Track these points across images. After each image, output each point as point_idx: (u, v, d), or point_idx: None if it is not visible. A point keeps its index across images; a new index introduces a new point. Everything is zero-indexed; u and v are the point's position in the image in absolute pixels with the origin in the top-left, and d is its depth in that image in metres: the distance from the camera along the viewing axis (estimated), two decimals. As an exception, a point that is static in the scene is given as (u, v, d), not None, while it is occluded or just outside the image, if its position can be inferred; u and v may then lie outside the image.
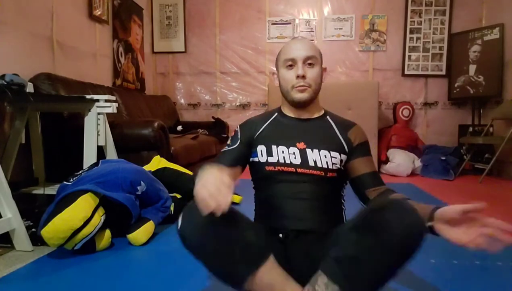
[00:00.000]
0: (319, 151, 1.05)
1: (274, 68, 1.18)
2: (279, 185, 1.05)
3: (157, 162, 2.22)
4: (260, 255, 0.86)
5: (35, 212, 1.81)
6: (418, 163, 3.77)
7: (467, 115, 4.19)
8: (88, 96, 2.01)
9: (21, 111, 2.06)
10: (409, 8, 4.17)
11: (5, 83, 1.73)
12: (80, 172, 1.75)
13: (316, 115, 1.14)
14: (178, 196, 2.12)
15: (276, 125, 1.14)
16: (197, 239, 0.85)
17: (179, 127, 3.86)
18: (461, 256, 1.50)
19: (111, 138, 2.13)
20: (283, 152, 1.05)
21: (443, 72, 4.20)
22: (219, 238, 0.84)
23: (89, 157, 1.97)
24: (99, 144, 2.02)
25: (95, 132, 2.00)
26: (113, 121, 2.27)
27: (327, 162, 1.04)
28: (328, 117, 1.15)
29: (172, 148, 2.55)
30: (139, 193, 1.73)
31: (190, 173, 2.24)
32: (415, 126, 4.31)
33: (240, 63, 4.41)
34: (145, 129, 2.35)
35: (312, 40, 4.26)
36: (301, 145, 1.06)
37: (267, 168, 1.06)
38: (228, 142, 1.15)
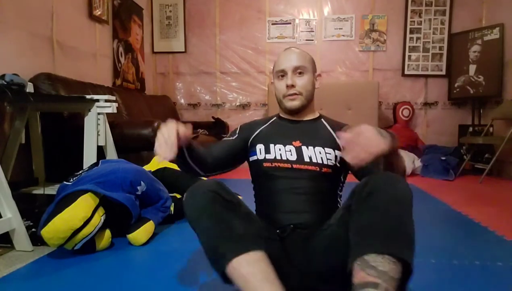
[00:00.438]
0: (314, 148, 1.11)
1: (271, 84, 1.25)
2: (276, 181, 1.11)
3: (157, 162, 2.22)
4: (246, 243, 0.86)
5: (35, 212, 1.81)
6: (418, 163, 3.77)
7: (467, 115, 4.19)
8: (88, 96, 2.01)
9: (21, 111, 2.06)
10: (409, 8, 4.17)
11: (5, 83, 1.73)
12: (80, 172, 1.75)
13: (310, 118, 1.22)
14: (178, 196, 2.12)
15: (274, 126, 1.23)
16: (195, 213, 0.92)
17: (179, 127, 3.85)
18: (461, 256, 1.50)
19: (111, 138, 2.13)
20: (280, 149, 1.13)
21: (443, 72, 4.20)
22: (214, 217, 0.89)
23: (89, 157, 1.97)
24: (99, 144, 2.02)
25: (95, 132, 2.00)
26: (113, 121, 2.27)
27: (321, 158, 1.10)
28: (322, 119, 1.23)
29: (172, 148, 2.55)
30: (139, 193, 1.73)
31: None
32: (415, 126, 4.31)
33: (240, 63, 4.41)
34: (145, 129, 2.35)
35: (312, 40, 4.26)
36: (297, 143, 1.13)
37: (265, 165, 1.13)
38: (227, 136, 1.25)
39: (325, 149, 1.11)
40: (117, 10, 3.50)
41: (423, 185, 3.17)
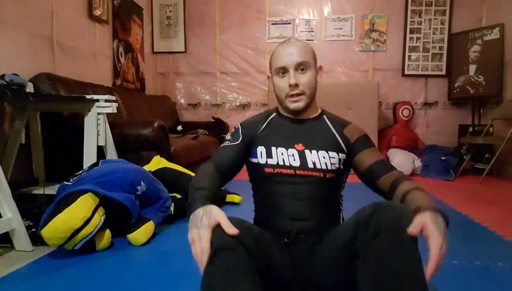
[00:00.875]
0: (317, 152, 1.05)
1: (267, 78, 1.18)
2: (278, 186, 1.05)
3: (157, 162, 2.22)
4: None
5: (35, 212, 1.81)
6: (418, 163, 3.77)
7: (467, 115, 4.19)
8: (88, 96, 2.01)
9: (21, 111, 2.05)
10: (409, 8, 4.17)
11: (5, 83, 1.73)
12: (80, 172, 1.75)
13: (313, 116, 1.14)
14: (178, 196, 2.12)
15: (274, 125, 1.14)
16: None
17: (179, 127, 3.86)
18: (461, 256, 1.50)
19: (111, 138, 2.13)
20: (282, 153, 1.06)
21: (443, 72, 4.20)
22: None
23: (89, 157, 1.97)
24: (99, 144, 2.02)
25: (95, 132, 2.00)
26: (113, 121, 2.27)
27: (326, 163, 1.04)
28: (324, 116, 1.15)
29: (172, 148, 2.55)
30: (139, 193, 1.73)
31: (190, 173, 2.23)
32: (415, 126, 4.31)
33: (240, 63, 4.41)
34: (145, 129, 2.35)
35: (312, 40, 4.26)
36: (300, 146, 1.07)
37: (267, 170, 1.06)
38: (228, 137, 1.15)
39: (329, 152, 1.05)
40: (117, 10, 3.50)
41: (423, 185, 3.13)
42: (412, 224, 0.75)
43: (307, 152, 1.06)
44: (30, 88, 2.02)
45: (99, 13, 3.17)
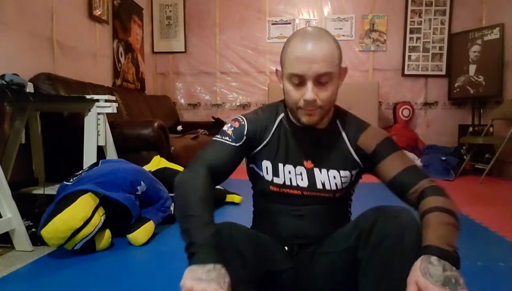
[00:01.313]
0: (327, 171, 0.94)
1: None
2: (283, 205, 0.97)
3: (157, 162, 2.22)
4: None
5: (35, 212, 1.81)
6: (418, 163, 3.77)
7: (467, 115, 4.19)
8: (88, 96, 2.01)
9: (21, 111, 2.05)
10: (409, 8, 4.17)
11: (5, 83, 1.73)
12: (80, 172, 1.75)
13: (326, 123, 0.97)
14: (178, 196, 2.11)
15: (283, 135, 0.97)
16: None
17: (179, 127, 3.86)
18: (461, 256, 1.49)
19: (111, 138, 2.13)
20: (289, 172, 0.95)
21: (443, 72, 4.20)
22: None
23: (89, 157, 1.96)
24: (99, 144, 2.02)
25: (95, 132, 1.99)
26: (113, 121, 2.27)
27: (336, 183, 0.94)
28: (338, 123, 0.98)
29: (172, 148, 2.55)
30: (139, 193, 1.72)
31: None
32: (415, 126, 4.31)
33: (240, 63, 4.41)
34: (145, 129, 2.35)
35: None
36: (309, 164, 0.95)
37: (272, 188, 0.96)
38: (228, 131, 0.96)
39: (341, 171, 0.94)
40: (117, 10, 3.50)
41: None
42: (408, 283, 0.68)
43: (316, 170, 0.95)
44: (30, 88, 2.02)
45: (99, 13, 3.17)
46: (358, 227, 0.84)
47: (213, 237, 0.75)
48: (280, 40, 4.30)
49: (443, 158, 3.58)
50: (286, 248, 0.97)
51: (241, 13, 4.35)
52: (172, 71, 4.52)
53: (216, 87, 4.48)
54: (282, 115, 1.00)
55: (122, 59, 3.65)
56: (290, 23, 4.31)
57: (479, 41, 3.87)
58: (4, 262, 1.46)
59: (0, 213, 1.56)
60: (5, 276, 1.33)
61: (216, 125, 4.01)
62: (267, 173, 0.96)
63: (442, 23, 4.16)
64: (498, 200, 2.68)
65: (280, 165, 0.95)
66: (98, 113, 2.01)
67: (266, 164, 0.96)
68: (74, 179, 1.68)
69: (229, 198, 2.39)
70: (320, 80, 0.85)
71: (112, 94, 2.33)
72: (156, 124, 2.37)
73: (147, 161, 2.21)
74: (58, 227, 1.40)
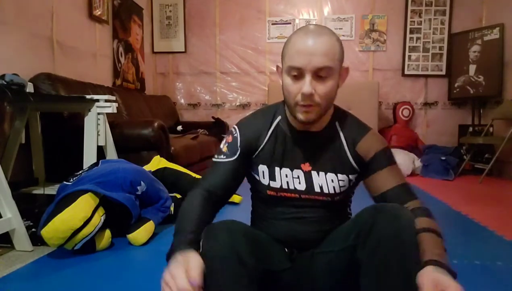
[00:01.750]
0: (325, 174, 0.94)
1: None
2: (281, 208, 0.97)
3: (157, 162, 2.22)
4: None
5: (35, 212, 1.81)
6: (418, 163, 3.78)
7: (467, 115, 4.19)
8: (88, 96, 2.01)
9: (21, 111, 2.06)
10: (409, 8, 4.17)
11: (5, 83, 1.73)
12: (80, 172, 1.75)
13: (324, 125, 0.96)
14: (178, 196, 2.12)
15: (279, 138, 0.97)
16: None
17: (179, 127, 3.86)
18: (461, 256, 1.50)
19: (111, 138, 2.13)
20: (286, 175, 0.95)
21: (443, 72, 4.20)
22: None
23: (89, 157, 1.97)
24: (99, 144, 2.02)
25: (95, 132, 2.00)
26: (113, 121, 2.27)
27: (334, 187, 0.94)
28: (337, 124, 0.97)
29: (172, 148, 2.55)
30: (139, 193, 1.73)
31: (190, 173, 2.24)
32: (415, 126, 4.31)
33: (240, 63, 4.41)
34: (145, 129, 2.35)
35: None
36: (306, 167, 0.95)
37: (269, 192, 0.97)
38: (224, 149, 0.98)
39: (338, 175, 0.94)
40: (117, 10, 3.50)
41: (423, 185, 3.17)
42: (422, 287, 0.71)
43: (314, 173, 0.94)
44: (30, 88, 2.02)
45: (99, 13, 3.17)
46: (357, 226, 0.84)
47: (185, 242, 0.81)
48: (280, 40, 4.30)
49: (443, 158, 3.59)
50: (286, 249, 0.98)
51: (241, 13, 4.35)
52: (172, 71, 4.52)
53: (216, 87, 4.48)
54: (279, 118, 0.99)
55: (122, 59, 3.65)
56: (290, 23, 4.31)
57: (479, 41, 3.88)
58: (4, 262, 1.47)
59: (0, 213, 1.56)
60: (5, 276, 1.33)
61: (216, 125, 4.01)
62: (264, 177, 0.96)
63: (442, 23, 4.16)
64: (497, 199, 2.68)
65: (277, 169, 0.95)
66: (98, 113, 2.01)
67: (262, 168, 0.96)
68: (74, 179, 1.68)
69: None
70: (319, 74, 0.84)
71: (112, 94, 2.33)
72: (156, 124, 2.37)
73: (147, 161, 2.22)
74: (58, 227, 1.40)
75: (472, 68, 3.93)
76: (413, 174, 3.74)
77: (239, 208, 2.32)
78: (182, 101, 4.55)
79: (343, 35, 4.25)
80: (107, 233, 1.60)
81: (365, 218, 0.82)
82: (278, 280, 0.93)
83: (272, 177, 0.95)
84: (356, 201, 1.07)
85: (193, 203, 0.91)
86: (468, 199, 2.65)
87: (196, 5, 4.39)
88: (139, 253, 1.59)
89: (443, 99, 4.25)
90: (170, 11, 4.42)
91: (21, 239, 1.59)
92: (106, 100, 2.03)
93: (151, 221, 1.72)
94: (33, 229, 1.65)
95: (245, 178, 1.03)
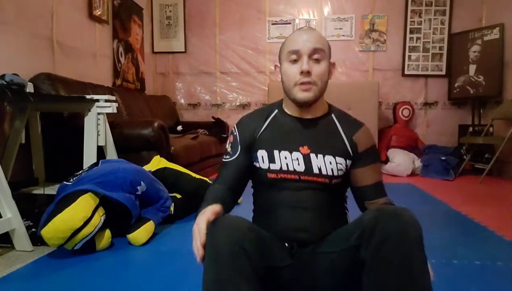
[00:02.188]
0: (323, 157, 0.98)
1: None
2: (281, 192, 1.00)
3: (157, 162, 2.22)
4: None
5: (35, 212, 1.81)
6: (418, 163, 3.77)
7: (467, 115, 4.19)
8: (88, 96, 2.01)
9: (21, 111, 2.06)
10: (409, 8, 4.17)
11: (5, 83, 1.74)
12: (80, 172, 1.75)
13: (320, 114, 1.05)
14: (178, 196, 2.12)
15: (277, 125, 1.05)
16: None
17: (179, 127, 3.86)
18: (461, 256, 1.50)
19: (111, 138, 2.13)
20: (285, 157, 0.99)
21: (443, 72, 4.20)
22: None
23: (89, 157, 1.97)
24: (99, 144, 2.02)
25: (95, 132, 2.00)
26: (113, 121, 2.27)
27: (332, 169, 0.98)
28: (333, 115, 1.06)
29: (172, 148, 2.55)
30: (139, 193, 1.73)
31: (190, 173, 2.23)
32: (415, 126, 4.31)
33: (240, 63, 4.41)
34: (145, 129, 2.35)
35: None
36: (305, 149, 0.99)
37: (269, 175, 1.00)
38: (228, 149, 1.07)
39: (336, 158, 0.99)
40: (117, 10, 3.50)
41: (423, 185, 3.17)
42: None
43: (312, 156, 0.99)
44: (30, 88, 2.02)
45: (99, 13, 3.17)
46: (359, 227, 0.85)
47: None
48: (280, 40, 4.29)
49: (443, 158, 3.59)
50: (286, 244, 0.98)
51: (241, 13, 4.35)
52: (172, 71, 4.52)
53: (216, 87, 4.48)
54: (276, 111, 1.08)
55: (122, 59, 3.65)
56: (290, 23, 4.31)
57: (479, 41, 3.88)
58: (4, 262, 1.47)
59: (0, 213, 1.56)
60: (5, 276, 1.33)
61: (216, 125, 4.01)
62: (263, 162, 1.01)
63: (442, 23, 4.16)
64: (497, 200, 2.68)
65: (276, 151, 1.01)
66: (98, 113, 2.01)
67: (262, 153, 1.02)
68: (74, 179, 1.68)
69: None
70: (314, 57, 0.97)
71: (112, 94, 2.33)
72: (156, 124, 2.37)
73: (147, 161, 2.22)
74: (58, 227, 1.40)
75: (472, 68, 3.93)
76: (413, 174, 3.73)
77: (239, 208, 2.30)
78: (182, 101, 4.55)
79: (343, 35, 4.25)
80: (107, 233, 1.60)
81: (368, 218, 0.83)
82: (278, 277, 0.93)
83: (271, 160, 1.01)
84: (354, 201, 1.07)
85: (216, 188, 1.04)
86: (468, 199, 2.65)
87: (196, 5, 4.40)
88: (139, 253, 1.59)
89: (443, 99, 4.25)
90: (170, 11, 4.42)
91: (21, 239, 1.59)
92: (106, 100, 2.03)
93: (151, 221, 1.72)
94: (33, 229, 1.65)
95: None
